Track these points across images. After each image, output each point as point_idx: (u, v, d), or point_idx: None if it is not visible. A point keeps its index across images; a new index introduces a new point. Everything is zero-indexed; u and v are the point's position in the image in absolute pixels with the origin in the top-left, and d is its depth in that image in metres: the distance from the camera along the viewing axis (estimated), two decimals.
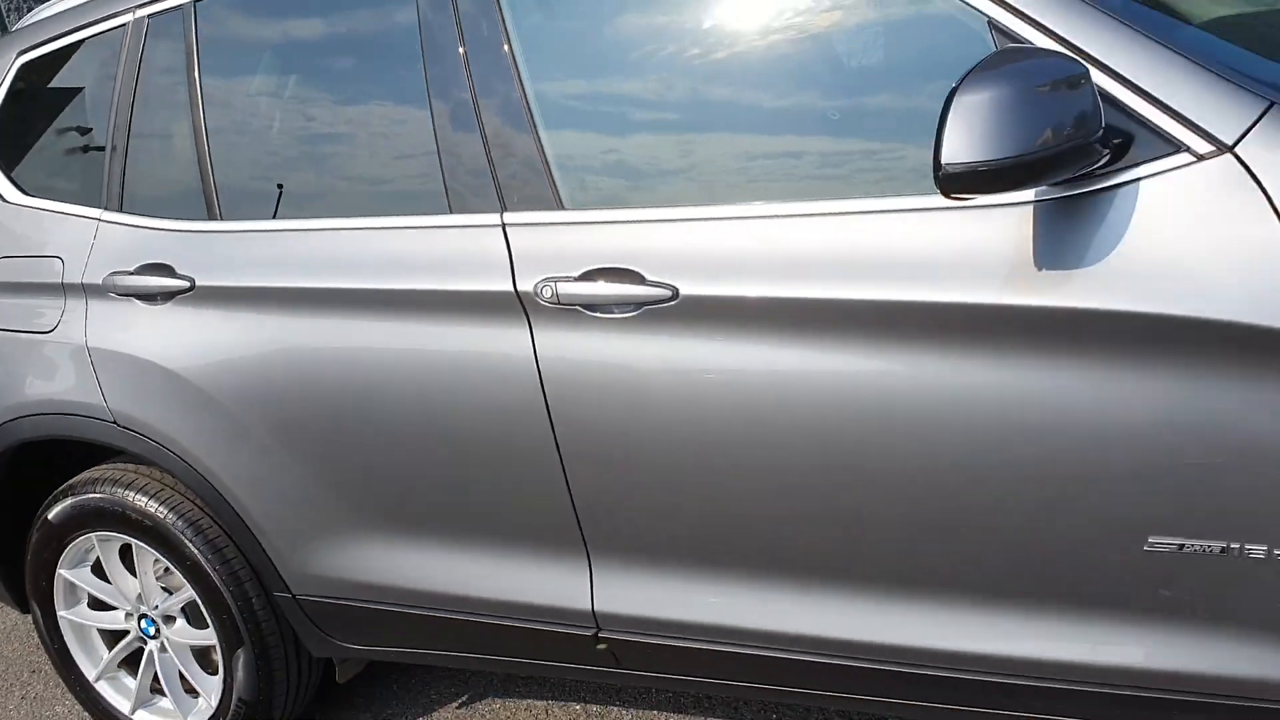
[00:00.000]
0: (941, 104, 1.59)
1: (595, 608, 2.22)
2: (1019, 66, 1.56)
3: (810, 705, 2.49)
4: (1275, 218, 1.58)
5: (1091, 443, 1.71)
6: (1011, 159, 1.54)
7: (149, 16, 2.58)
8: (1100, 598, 1.80)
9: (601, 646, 2.25)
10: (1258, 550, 1.68)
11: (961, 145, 1.54)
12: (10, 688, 3.41)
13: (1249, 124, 1.61)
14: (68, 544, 2.78)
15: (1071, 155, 1.58)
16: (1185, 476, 1.68)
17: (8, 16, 5.86)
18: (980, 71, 1.57)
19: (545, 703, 2.88)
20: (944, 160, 1.55)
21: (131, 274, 2.53)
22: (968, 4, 1.76)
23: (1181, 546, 1.72)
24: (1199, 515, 1.69)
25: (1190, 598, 1.75)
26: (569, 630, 2.26)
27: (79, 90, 2.73)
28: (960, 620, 1.91)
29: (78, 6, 2.74)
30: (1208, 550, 1.70)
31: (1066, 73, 1.58)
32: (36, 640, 3.62)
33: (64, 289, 2.63)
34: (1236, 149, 1.61)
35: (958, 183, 1.56)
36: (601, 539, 2.17)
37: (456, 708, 2.92)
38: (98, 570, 2.83)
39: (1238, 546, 1.69)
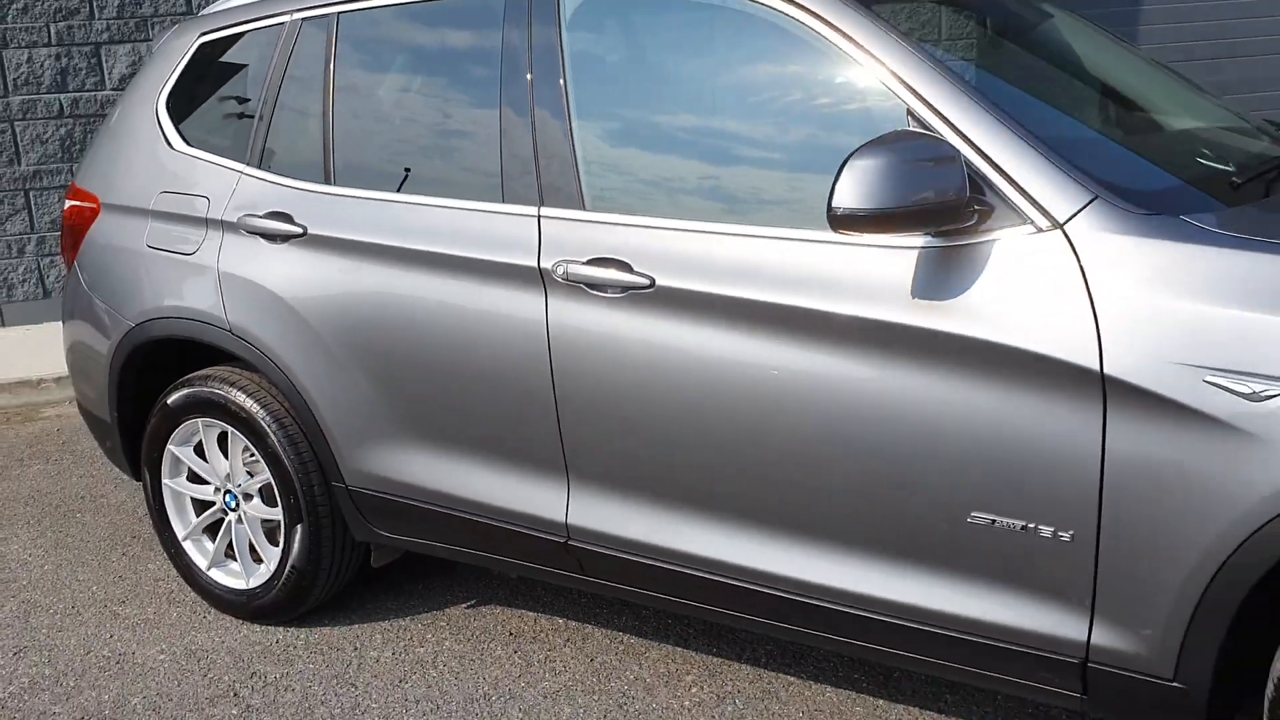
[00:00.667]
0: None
1: (568, 521, 2.83)
2: (904, 144, 2.14)
3: (719, 623, 3.06)
4: (1083, 281, 2.13)
5: (935, 433, 2.27)
6: (882, 209, 2.12)
7: (303, 19, 3.28)
8: (931, 555, 2.36)
9: (570, 553, 2.86)
10: (1046, 531, 2.22)
11: (848, 195, 2.13)
12: (114, 547, 4.14)
13: (1076, 209, 2.17)
14: (179, 424, 3.49)
15: (935, 214, 2.15)
16: (999, 468, 2.22)
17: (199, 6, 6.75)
18: (874, 143, 2.15)
19: (535, 614, 3.49)
20: (834, 204, 2.14)
21: (260, 218, 3.23)
22: (894, 93, 2.34)
23: (994, 522, 2.27)
24: (1007, 499, 2.24)
25: (997, 562, 2.29)
26: (547, 536, 2.88)
27: (241, 69, 3.45)
28: (831, 562, 2.48)
29: (251, 3, 3.46)
30: (1012, 527, 2.25)
31: (940, 154, 2.15)
32: (140, 513, 4.35)
33: (206, 223, 3.34)
34: (1065, 227, 2.17)
35: (842, 222, 2.15)
36: (579, 468, 2.78)
37: (466, 608, 3.55)
38: (198, 450, 3.53)
39: (1033, 526, 2.23)
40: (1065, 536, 2.20)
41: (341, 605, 3.59)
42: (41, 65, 6.68)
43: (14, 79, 6.66)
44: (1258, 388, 1.97)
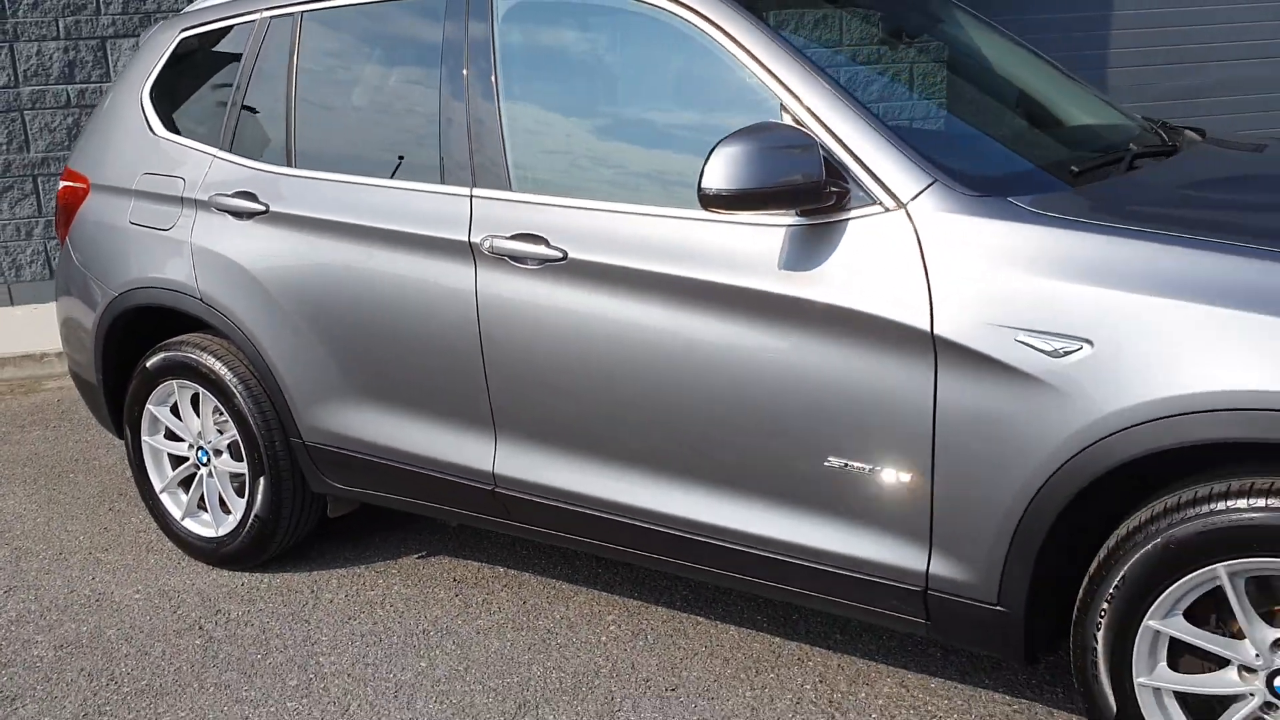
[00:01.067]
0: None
1: (495, 470, 3.16)
2: (765, 132, 2.46)
3: (626, 561, 3.38)
4: (920, 254, 2.44)
5: (797, 387, 2.59)
6: (745, 190, 2.43)
7: (271, 17, 3.61)
8: (795, 496, 2.67)
9: (497, 500, 3.18)
10: (889, 472, 2.53)
11: (715, 177, 2.45)
12: (102, 503, 4.48)
13: (917, 192, 2.48)
14: (156, 386, 3.82)
15: (793, 195, 2.47)
16: (849, 417, 2.54)
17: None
18: (739, 132, 2.46)
19: (478, 563, 3.81)
20: (703, 185, 2.46)
21: (229, 197, 3.56)
22: (769, 88, 2.65)
23: (846, 465, 2.58)
24: (856, 444, 2.55)
25: (850, 501, 2.60)
26: (476, 484, 3.20)
27: (216, 62, 3.78)
28: (714, 502, 2.79)
29: (226, 3, 3.79)
30: (861, 469, 2.56)
31: (799, 141, 2.46)
32: (126, 475, 4.69)
33: (182, 201, 3.68)
34: (908, 207, 2.48)
35: (710, 201, 2.46)
36: (504, 422, 3.11)
37: (416, 557, 3.87)
38: (174, 410, 3.87)
39: (878, 468, 2.54)
40: (905, 478, 2.51)
41: (302, 554, 3.92)
42: (50, 57, 7.02)
43: (24, 70, 7.01)
44: (1058, 345, 2.28)
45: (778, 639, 3.26)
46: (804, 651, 3.20)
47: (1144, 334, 2.21)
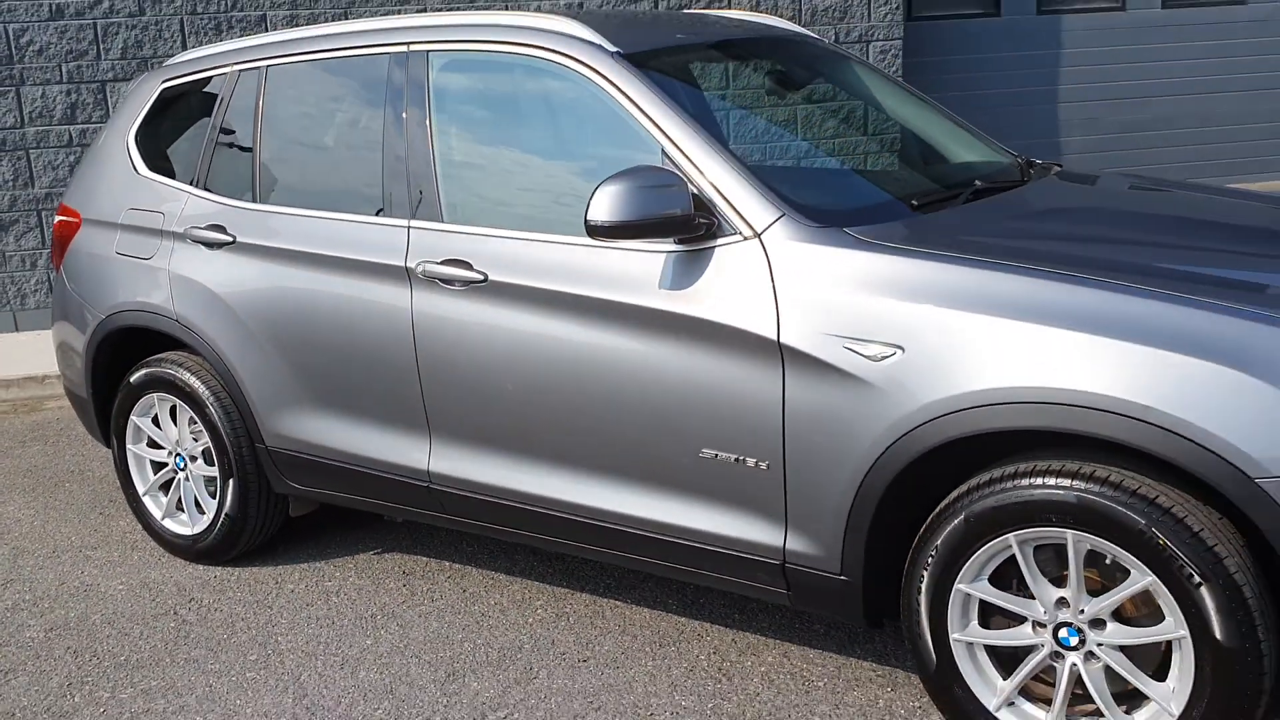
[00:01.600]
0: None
1: (429, 468, 3.59)
2: (640, 173, 2.90)
3: (537, 546, 3.80)
4: (770, 276, 2.88)
5: (676, 389, 3.02)
6: (622, 222, 2.87)
7: (240, 70, 4.08)
8: (677, 483, 3.10)
9: (432, 495, 3.62)
10: (750, 461, 2.96)
11: (598, 211, 2.89)
12: (94, 508, 4.92)
13: (769, 223, 2.92)
14: (139, 399, 4.27)
15: (664, 226, 2.91)
16: (717, 414, 2.97)
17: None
18: (619, 173, 2.91)
19: (427, 558, 4.23)
20: (588, 218, 2.90)
21: (202, 229, 4.02)
22: (653, 135, 3.10)
23: (716, 455, 3.01)
24: (724, 438, 2.98)
25: (721, 487, 3.03)
26: (414, 482, 3.64)
27: (193, 110, 4.24)
28: (609, 491, 3.22)
29: (202, 57, 4.26)
30: (728, 459, 2.99)
31: (668, 181, 2.91)
32: (117, 484, 5.12)
33: (161, 233, 4.14)
34: (761, 236, 2.92)
35: (594, 231, 2.91)
36: (436, 425, 3.54)
37: (372, 553, 4.30)
38: (155, 421, 4.31)
39: (743, 458, 2.97)
40: (764, 466, 2.94)
41: (270, 550, 4.35)
42: (54, 100, 7.52)
43: (29, 112, 7.51)
44: (876, 351, 2.72)
45: (683, 618, 3.68)
46: (704, 628, 3.61)
47: (945, 341, 2.64)
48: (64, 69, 7.50)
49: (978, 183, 3.40)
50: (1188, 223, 3.40)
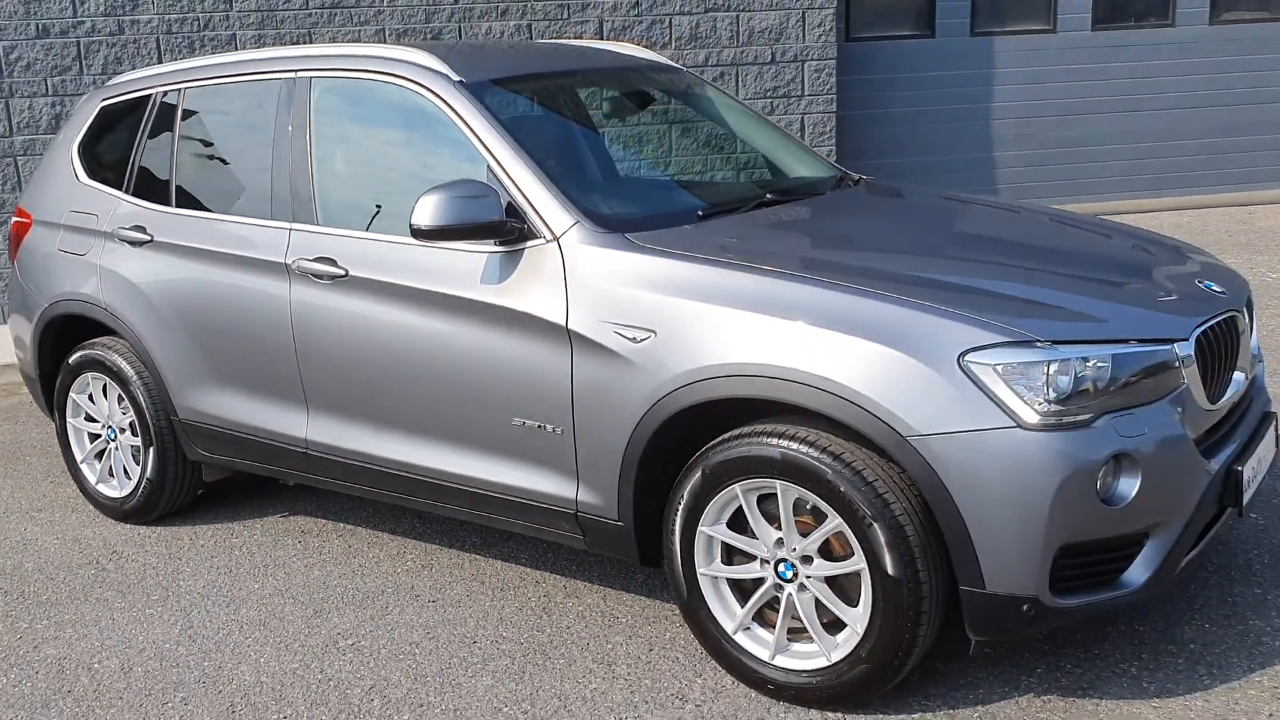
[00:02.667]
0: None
1: (306, 436, 4.17)
2: (458, 184, 3.47)
3: (387, 502, 4.36)
4: (563, 272, 3.45)
5: (491, 367, 3.59)
6: (440, 226, 3.44)
7: (163, 92, 4.69)
8: (495, 446, 3.67)
9: (309, 460, 4.20)
10: (549, 427, 3.52)
11: (420, 217, 3.46)
12: (46, 478, 5.53)
13: (566, 229, 3.49)
14: (76, 378, 4.88)
15: (478, 230, 3.48)
16: (523, 389, 3.53)
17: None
18: (440, 185, 3.48)
19: (326, 520, 4.81)
20: (412, 222, 3.47)
21: (127, 230, 4.62)
22: (479, 152, 3.68)
23: (524, 423, 3.58)
24: (530, 408, 3.54)
25: (529, 449, 3.59)
26: (295, 449, 4.22)
27: (125, 125, 4.85)
28: (440, 453, 3.79)
29: (135, 79, 4.87)
30: (533, 426, 3.56)
31: (482, 192, 3.48)
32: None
33: (95, 233, 4.74)
34: (559, 240, 3.49)
35: (417, 234, 3.48)
36: (312, 399, 4.12)
37: (278, 516, 4.89)
38: (90, 397, 4.91)
39: (544, 425, 3.53)
40: (559, 431, 3.50)
41: (190, 513, 4.94)
42: (40, 111, 8.17)
43: (17, 122, 8.17)
44: (635, 334, 3.28)
45: (528, 569, 4.24)
46: (543, 576, 4.17)
47: (687, 325, 3.20)
48: (49, 83, 8.14)
49: (768, 196, 3.96)
50: (942, 233, 3.95)
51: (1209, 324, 3.16)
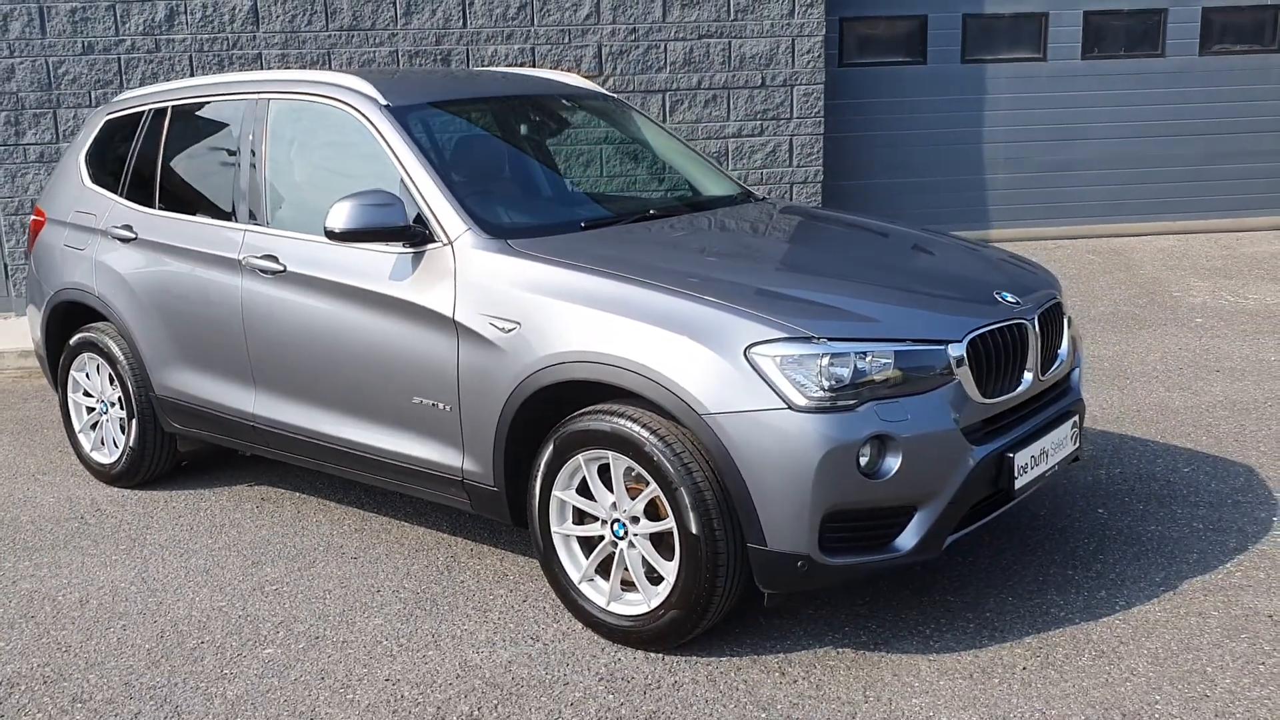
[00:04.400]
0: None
1: (254, 411, 4.80)
2: (367, 193, 4.07)
3: (313, 469, 4.97)
4: (454, 272, 4.02)
5: (396, 352, 4.17)
6: (348, 229, 4.03)
7: (153, 108, 5.36)
8: (398, 421, 4.24)
9: (257, 433, 4.82)
10: (441, 406, 4.09)
11: (333, 220, 4.05)
12: (56, 447, 6.22)
13: (459, 234, 4.07)
14: (75, 358, 5.56)
15: (384, 234, 4.07)
16: (420, 371, 4.11)
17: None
18: (351, 194, 4.07)
19: (285, 490, 5.43)
20: (326, 225, 4.07)
21: (118, 228, 5.29)
22: (390, 163, 4.27)
23: (422, 401, 4.15)
24: (426, 388, 4.11)
25: (425, 424, 4.16)
26: (245, 422, 4.85)
27: (124, 136, 5.53)
28: (351, 426, 4.38)
29: (134, 97, 5.55)
30: (428, 404, 4.13)
31: (387, 200, 4.07)
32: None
33: (93, 231, 5.43)
34: (453, 244, 4.07)
35: (331, 236, 4.07)
36: (258, 378, 4.74)
37: (245, 485, 5.52)
38: (86, 375, 5.59)
39: (437, 403, 4.10)
40: (448, 408, 4.07)
41: (170, 479, 5.59)
42: (84, 121, 8.95)
43: (64, 130, 8.97)
44: (505, 325, 3.84)
45: (444, 534, 4.81)
46: (456, 541, 4.73)
47: (543, 318, 3.76)
48: (93, 95, 8.93)
49: (651, 211, 4.50)
50: (784, 246, 4.51)
51: (987, 329, 3.64)
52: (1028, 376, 3.81)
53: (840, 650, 3.71)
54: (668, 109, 9.41)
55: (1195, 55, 10.40)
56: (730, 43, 9.36)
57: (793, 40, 9.41)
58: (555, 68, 9.17)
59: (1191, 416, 5.87)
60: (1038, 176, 10.48)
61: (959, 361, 3.53)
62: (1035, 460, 3.74)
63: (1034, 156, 10.44)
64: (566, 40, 9.21)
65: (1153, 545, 4.37)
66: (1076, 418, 4.03)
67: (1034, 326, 3.82)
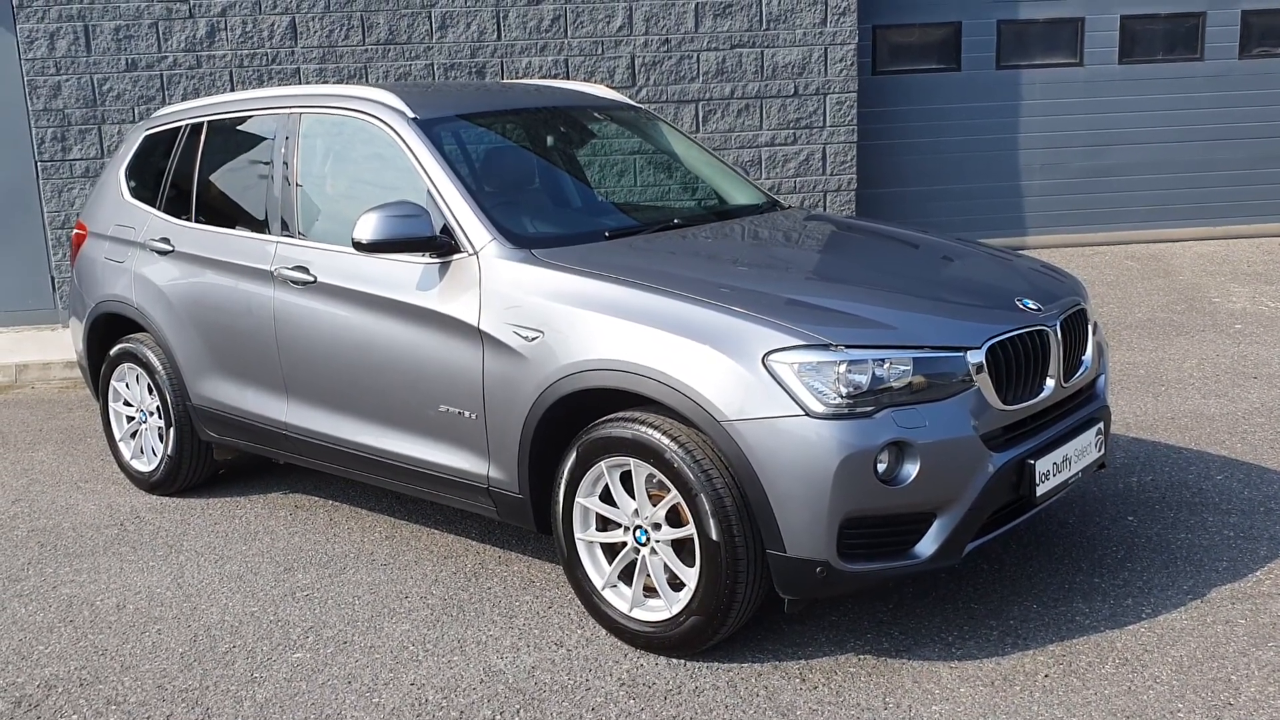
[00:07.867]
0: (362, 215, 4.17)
1: (286, 420, 4.88)
2: (393, 205, 4.13)
3: (341, 476, 5.04)
4: (479, 282, 4.08)
5: (424, 361, 4.23)
6: (376, 241, 4.10)
7: (190, 124, 5.47)
8: (424, 429, 4.30)
9: (289, 441, 4.90)
10: (467, 414, 4.15)
11: (361, 232, 4.12)
12: (97, 455, 6.35)
13: (484, 245, 4.12)
14: (116, 368, 5.68)
15: (411, 245, 4.13)
16: (447, 380, 4.16)
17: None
18: (379, 205, 4.14)
19: (319, 499, 5.51)
20: (354, 237, 4.14)
21: (155, 241, 5.40)
22: (418, 175, 4.33)
23: (448, 410, 4.21)
24: (452, 397, 4.17)
25: (451, 432, 4.22)
26: (278, 431, 4.93)
27: (162, 151, 5.65)
28: (382, 435, 4.45)
29: (172, 113, 5.67)
30: (453, 412, 4.19)
31: (414, 212, 4.13)
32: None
33: (132, 244, 5.54)
34: (478, 254, 4.12)
35: (358, 247, 4.14)
36: (290, 387, 4.82)
37: (279, 493, 5.61)
38: (126, 385, 5.71)
39: (463, 411, 4.16)
40: (474, 416, 4.12)
41: (207, 487, 5.69)
42: (125, 134, 9.14)
43: (108, 145, 9.15)
44: (528, 334, 3.89)
45: (473, 540, 4.86)
46: (483, 547, 4.79)
47: (566, 327, 3.80)
48: (136, 111, 9.11)
49: (676, 220, 4.54)
50: (806, 254, 4.53)
51: (1006, 336, 3.64)
52: (1050, 383, 3.80)
53: (862, 657, 3.72)
54: (701, 119, 9.45)
55: (1235, 59, 10.31)
56: (763, 52, 9.39)
57: (825, 49, 9.42)
58: (589, 79, 9.24)
59: (1227, 423, 5.81)
60: (1075, 183, 10.42)
61: (978, 368, 3.53)
62: (1058, 467, 3.73)
63: (1071, 163, 10.38)
64: (600, 51, 9.27)
65: (1182, 553, 4.35)
66: (1102, 424, 4.01)
67: (1056, 333, 3.82)
